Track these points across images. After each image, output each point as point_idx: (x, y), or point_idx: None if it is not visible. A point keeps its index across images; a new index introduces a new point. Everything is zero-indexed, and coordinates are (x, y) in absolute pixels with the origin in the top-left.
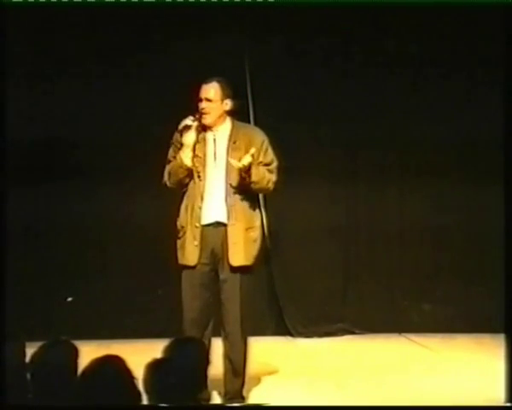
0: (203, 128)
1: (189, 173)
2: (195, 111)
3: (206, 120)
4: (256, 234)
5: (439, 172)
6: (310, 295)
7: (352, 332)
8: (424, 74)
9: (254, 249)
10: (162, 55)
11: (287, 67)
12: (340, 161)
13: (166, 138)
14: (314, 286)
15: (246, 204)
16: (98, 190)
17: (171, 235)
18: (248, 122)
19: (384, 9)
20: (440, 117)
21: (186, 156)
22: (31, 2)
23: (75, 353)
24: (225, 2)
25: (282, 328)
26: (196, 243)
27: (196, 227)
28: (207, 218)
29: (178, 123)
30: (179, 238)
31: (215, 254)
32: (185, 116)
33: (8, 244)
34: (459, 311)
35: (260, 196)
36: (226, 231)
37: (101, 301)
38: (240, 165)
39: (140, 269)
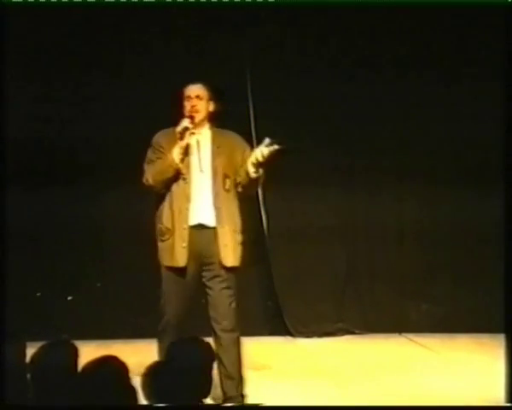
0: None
1: (175, 174)
2: (181, 113)
3: (197, 118)
4: (241, 237)
5: (438, 173)
6: (310, 295)
7: (352, 332)
8: (423, 75)
9: (241, 251)
10: (163, 57)
11: (286, 69)
12: (340, 162)
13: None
14: (314, 286)
15: (231, 208)
16: (99, 190)
17: None
18: (249, 123)
19: (384, 10)
20: (439, 118)
21: (177, 156)
22: (31, 2)
23: (75, 353)
24: (225, 2)
25: (281, 328)
26: (184, 244)
27: (184, 229)
28: (193, 219)
29: (160, 125)
30: (163, 241)
31: (202, 256)
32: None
33: (9, 244)
34: (459, 311)
35: (260, 196)
36: (214, 234)
37: (101, 301)
38: (260, 158)
39: (140, 269)
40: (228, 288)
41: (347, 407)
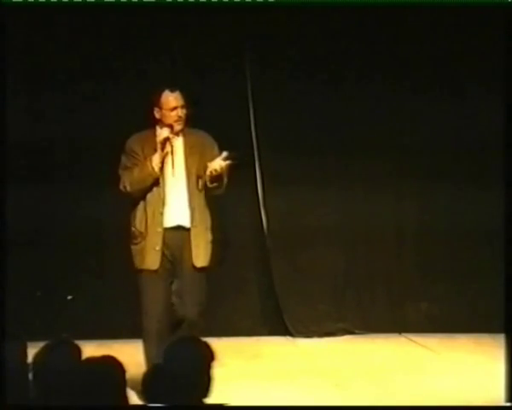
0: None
1: (154, 182)
2: (156, 120)
3: (180, 127)
4: (210, 235)
5: (437, 174)
6: (310, 295)
7: (352, 332)
8: (423, 75)
9: (210, 250)
10: (164, 58)
11: (286, 69)
12: (340, 163)
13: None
14: (314, 286)
15: (204, 207)
16: (99, 190)
17: None
18: (249, 125)
19: (383, 11)
20: (438, 118)
21: (157, 165)
22: (31, 2)
23: (78, 353)
24: (225, 2)
25: (281, 328)
26: (158, 247)
27: (158, 232)
28: (169, 222)
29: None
30: (136, 244)
31: (174, 257)
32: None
33: (9, 244)
34: (459, 311)
35: (260, 196)
36: (188, 234)
37: (101, 301)
38: (218, 170)
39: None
40: (195, 289)
41: (347, 407)
